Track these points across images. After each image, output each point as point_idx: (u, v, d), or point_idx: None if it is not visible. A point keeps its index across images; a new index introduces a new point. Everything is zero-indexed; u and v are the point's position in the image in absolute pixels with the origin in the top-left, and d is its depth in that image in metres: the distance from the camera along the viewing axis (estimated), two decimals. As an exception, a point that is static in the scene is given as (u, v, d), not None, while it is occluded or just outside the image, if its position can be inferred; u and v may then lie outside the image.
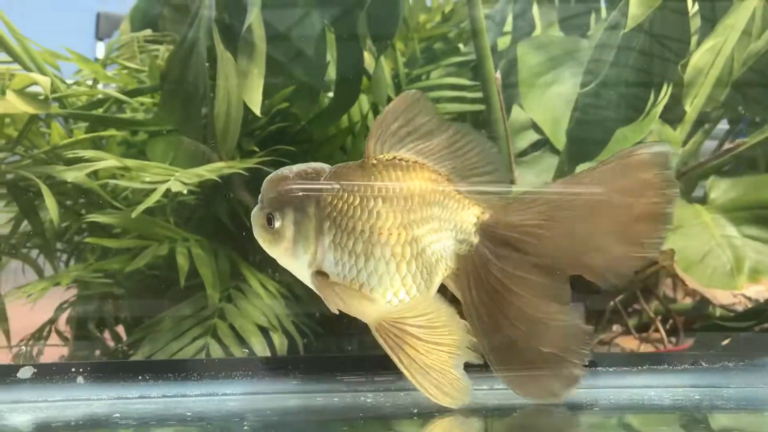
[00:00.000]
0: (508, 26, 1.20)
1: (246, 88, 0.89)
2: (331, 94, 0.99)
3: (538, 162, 1.09)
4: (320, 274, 0.68)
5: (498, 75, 0.98)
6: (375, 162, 0.68)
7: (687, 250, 0.91)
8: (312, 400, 0.72)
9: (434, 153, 0.68)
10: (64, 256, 1.13)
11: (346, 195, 0.67)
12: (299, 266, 0.69)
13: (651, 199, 0.66)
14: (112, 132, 1.02)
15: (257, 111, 0.89)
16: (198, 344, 0.90)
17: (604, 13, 1.18)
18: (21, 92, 0.98)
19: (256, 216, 0.69)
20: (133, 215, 0.83)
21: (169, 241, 0.94)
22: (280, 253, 0.69)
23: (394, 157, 0.68)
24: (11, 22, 1.14)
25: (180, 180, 0.86)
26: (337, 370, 0.75)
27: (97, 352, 1.09)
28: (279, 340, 0.93)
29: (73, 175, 0.97)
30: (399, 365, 0.67)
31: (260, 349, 0.88)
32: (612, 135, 0.99)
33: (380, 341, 0.68)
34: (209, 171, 0.87)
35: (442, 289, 0.71)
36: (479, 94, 1.14)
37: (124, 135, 1.12)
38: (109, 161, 0.89)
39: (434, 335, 0.68)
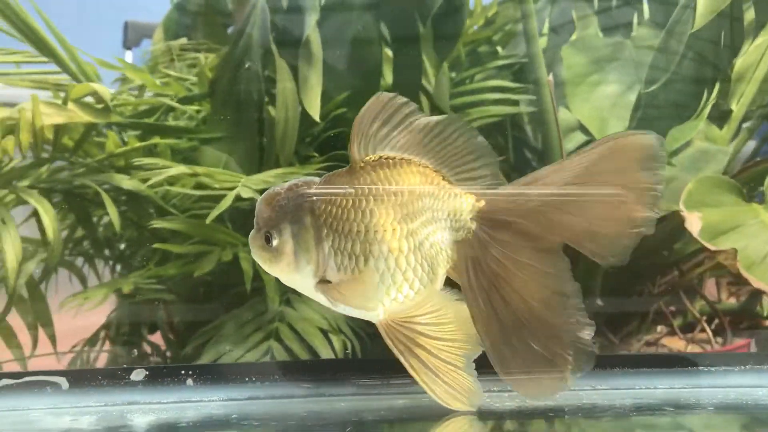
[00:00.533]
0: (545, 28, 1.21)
1: (305, 94, 0.90)
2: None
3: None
4: (324, 282, 0.68)
5: (551, 77, 0.99)
6: (362, 164, 0.68)
7: (747, 250, 0.91)
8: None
9: (419, 148, 0.69)
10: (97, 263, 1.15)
11: (338, 200, 0.68)
12: (303, 279, 0.69)
13: (641, 179, 0.66)
14: (170, 140, 1.04)
15: (316, 117, 0.91)
16: (263, 347, 0.90)
17: (647, 13, 1.19)
18: (80, 102, 1.00)
19: (254, 238, 0.69)
20: (208, 221, 0.84)
21: (231, 247, 0.95)
22: (282, 269, 0.70)
23: (380, 157, 0.68)
24: (60, 33, 1.16)
25: (247, 186, 0.87)
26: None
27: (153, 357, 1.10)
28: (339, 344, 0.94)
29: (131, 183, 0.98)
30: (409, 369, 0.67)
31: (324, 352, 0.89)
32: (665, 135, 0.99)
33: (389, 343, 0.67)
34: (274, 177, 0.88)
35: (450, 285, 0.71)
36: (523, 97, 1.15)
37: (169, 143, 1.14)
38: (180, 168, 0.90)
39: (443, 332, 0.68)
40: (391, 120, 0.68)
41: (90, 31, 1.36)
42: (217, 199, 0.97)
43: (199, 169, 0.92)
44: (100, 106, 1.01)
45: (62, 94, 1.06)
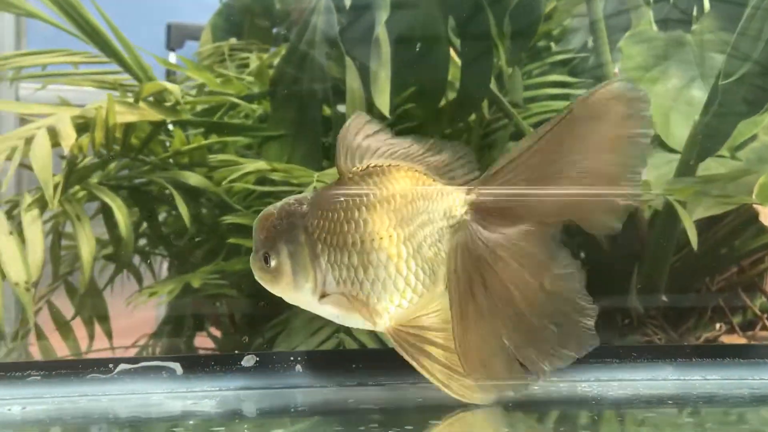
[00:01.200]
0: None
1: (375, 90, 0.90)
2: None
3: (650, 158, 1.09)
4: (326, 297, 0.68)
5: (617, 70, 0.98)
6: (351, 175, 0.68)
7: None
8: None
9: (405, 155, 0.69)
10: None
11: (330, 213, 0.68)
12: (305, 297, 0.69)
13: (625, 130, 0.64)
14: (236, 138, 1.05)
15: (386, 112, 0.91)
16: (334, 341, 0.91)
17: (707, 6, 1.18)
18: (148, 101, 1.02)
19: (253, 260, 0.70)
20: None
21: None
22: (283, 289, 0.70)
23: (368, 166, 0.68)
24: (122, 34, 1.18)
25: (322, 180, 0.88)
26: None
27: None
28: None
29: (197, 180, 1.00)
30: (421, 370, 0.67)
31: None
32: (734, 128, 0.98)
33: (398, 348, 0.67)
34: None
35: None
36: (582, 91, 1.14)
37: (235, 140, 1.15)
38: (259, 164, 0.91)
39: (449, 329, 0.67)
40: (374, 134, 0.68)
41: (133, 32, 1.38)
42: (280, 195, 0.98)
43: (278, 165, 0.93)
44: (169, 104, 1.02)
45: (127, 93, 1.08)
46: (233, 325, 1.15)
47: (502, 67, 0.98)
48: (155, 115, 0.97)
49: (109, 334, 1.12)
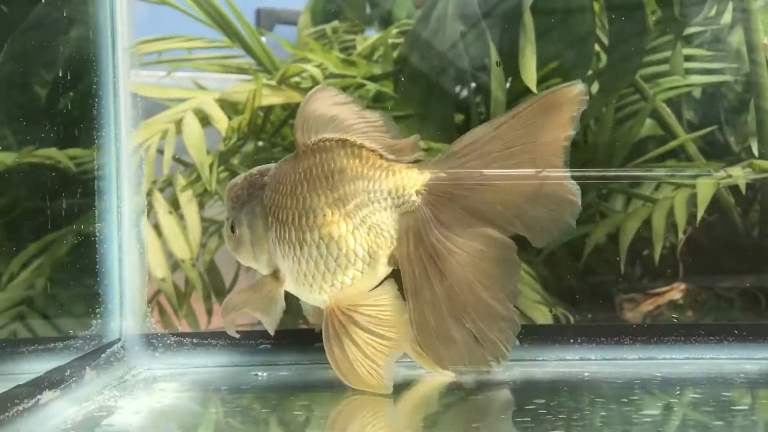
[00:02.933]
0: None
1: (522, 65, 0.90)
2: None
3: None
4: (274, 275, 0.68)
5: (766, 41, 0.95)
6: (304, 149, 0.68)
7: None
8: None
9: (366, 131, 0.68)
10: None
11: (281, 186, 0.67)
12: (263, 269, 0.70)
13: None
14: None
15: (533, 86, 0.91)
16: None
17: None
18: (288, 83, 1.03)
19: (225, 227, 0.71)
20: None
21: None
22: (244, 258, 0.71)
23: (320, 140, 0.68)
24: (246, 20, 1.20)
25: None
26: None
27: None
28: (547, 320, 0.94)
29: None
30: (329, 354, 0.66)
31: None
32: None
33: (323, 325, 0.67)
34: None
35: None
36: (716, 65, 1.11)
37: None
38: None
39: (379, 327, 0.66)
40: (333, 107, 0.68)
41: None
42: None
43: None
44: (306, 86, 1.04)
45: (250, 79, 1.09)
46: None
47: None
48: (298, 97, 0.99)
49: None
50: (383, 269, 0.68)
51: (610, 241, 1.01)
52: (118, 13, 0.89)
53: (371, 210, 0.66)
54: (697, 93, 1.09)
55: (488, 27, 0.96)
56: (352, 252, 0.66)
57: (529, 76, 0.90)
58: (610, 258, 1.00)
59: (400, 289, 0.69)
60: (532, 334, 0.75)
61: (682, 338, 0.75)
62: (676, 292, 1.10)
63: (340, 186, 0.66)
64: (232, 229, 0.71)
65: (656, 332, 0.76)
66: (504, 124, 0.66)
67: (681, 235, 0.96)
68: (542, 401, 0.63)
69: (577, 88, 0.66)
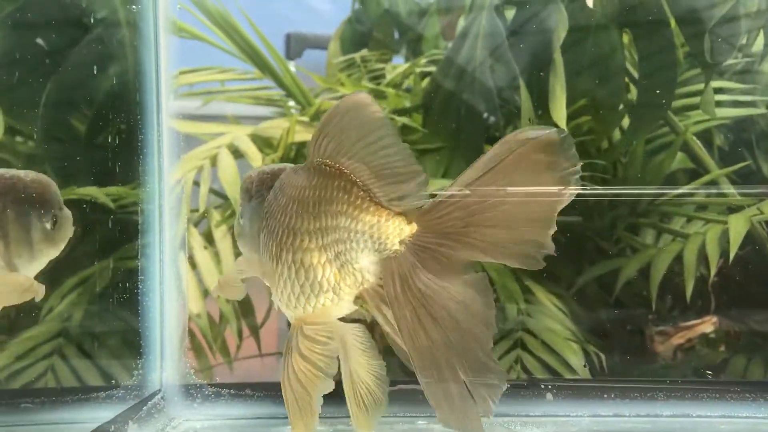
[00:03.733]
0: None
1: (552, 104, 0.90)
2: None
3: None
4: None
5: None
6: (314, 164, 0.65)
7: None
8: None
9: (372, 163, 0.63)
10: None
11: (279, 196, 0.66)
12: (259, 268, 0.68)
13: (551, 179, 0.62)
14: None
15: (563, 124, 0.91)
16: (511, 357, 0.92)
17: None
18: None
19: (237, 212, 0.71)
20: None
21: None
22: (242, 246, 0.69)
23: (323, 162, 0.64)
24: (278, 52, 1.22)
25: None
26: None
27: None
28: (579, 357, 0.94)
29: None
30: (282, 372, 0.65)
31: (576, 362, 0.89)
32: None
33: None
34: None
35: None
36: (748, 98, 1.10)
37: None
38: (442, 182, 0.93)
39: (312, 351, 0.65)
40: (355, 128, 0.62)
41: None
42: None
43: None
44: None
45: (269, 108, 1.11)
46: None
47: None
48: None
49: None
50: (348, 306, 0.67)
51: (641, 276, 1.01)
52: (162, 47, 0.90)
53: (347, 248, 0.64)
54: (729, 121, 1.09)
55: (517, 63, 0.97)
56: (317, 284, 0.65)
57: (559, 114, 0.90)
58: (641, 292, 1.00)
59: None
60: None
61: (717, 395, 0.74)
62: (708, 325, 1.09)
63: (323, 217, 0.64)
64: (242, 216, 0.71)
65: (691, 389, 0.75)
66: (485, 174, 0.63)
67: (713, 270, 0.95)
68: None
69: (552, 135, 0.61)
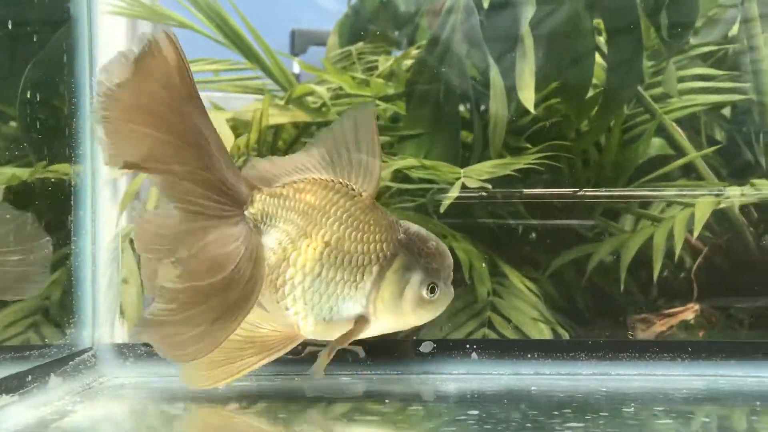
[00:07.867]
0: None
1: (520, 86, 0.91)
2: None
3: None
4: None
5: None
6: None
7: None
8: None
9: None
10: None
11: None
12: None
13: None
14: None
15: (531, 108, 0.92)
16: (478, 334, 0.93)
17: None
18: (300, 102, 1.07)
19: None
20: (442, 210, 0.88)
21: (441, 237, 0.98)
22: None
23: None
24: (266, 42, 1.24)
25: (469, 176, 0.90)
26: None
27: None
28: (548, 332, 0.94)
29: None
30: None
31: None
32: None
33: None
34: (497, 167, 0.90)
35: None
36: (728, 84, 1.10)
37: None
38: (410, 160, 0.94)
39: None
40: (363, 137, 0.69)
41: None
42: (414, 192, 1.01)
43: (426, 162, 0.95)
44: (315, 106, 1.07)
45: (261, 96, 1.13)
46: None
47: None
48: (305, 117, 1.02)
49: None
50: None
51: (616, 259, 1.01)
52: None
53: None
54: (726, 111, 1.08)
55: (490, 49, 0.98)
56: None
57: (527, 97, 0.91)
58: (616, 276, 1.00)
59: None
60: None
61: (637, 354, 0.75)
62: (689, 312, 1.09)
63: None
64: None
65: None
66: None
67: (677, 251, 0.95)
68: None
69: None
